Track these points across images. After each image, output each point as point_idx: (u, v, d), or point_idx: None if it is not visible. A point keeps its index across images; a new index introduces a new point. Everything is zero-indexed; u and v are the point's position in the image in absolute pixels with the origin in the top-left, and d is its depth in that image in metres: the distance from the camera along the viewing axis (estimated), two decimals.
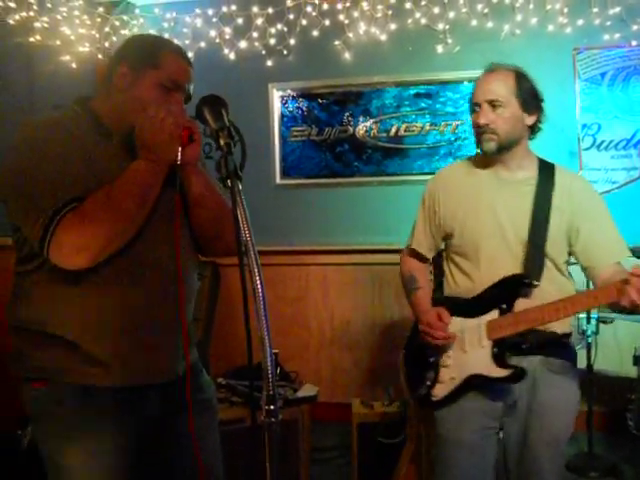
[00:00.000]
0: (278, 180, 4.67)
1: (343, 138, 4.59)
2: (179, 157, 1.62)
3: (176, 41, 4.47)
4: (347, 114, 4.59)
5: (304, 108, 4.65)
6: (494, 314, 2.04)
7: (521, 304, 2.01)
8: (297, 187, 4.65)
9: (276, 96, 4.66)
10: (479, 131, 2.06)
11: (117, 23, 4.71)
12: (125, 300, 1.64)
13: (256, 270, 1.28)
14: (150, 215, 1.64)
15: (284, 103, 4.67)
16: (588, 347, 3.70)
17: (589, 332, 3.63)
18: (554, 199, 2.05)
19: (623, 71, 4.25)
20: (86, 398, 1.62)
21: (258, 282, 1.27)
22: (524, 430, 2.08)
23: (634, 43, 4.21)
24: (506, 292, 2.04)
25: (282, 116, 4.67)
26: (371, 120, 4.56)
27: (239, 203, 1.34)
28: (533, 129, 2.12)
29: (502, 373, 2.00)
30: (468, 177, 2.18)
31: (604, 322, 3.66)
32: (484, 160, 2.14)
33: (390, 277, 4.43)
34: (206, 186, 1.75)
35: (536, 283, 2.00)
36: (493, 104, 2.02)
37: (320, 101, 4.63)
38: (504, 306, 2.02)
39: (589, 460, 3.64)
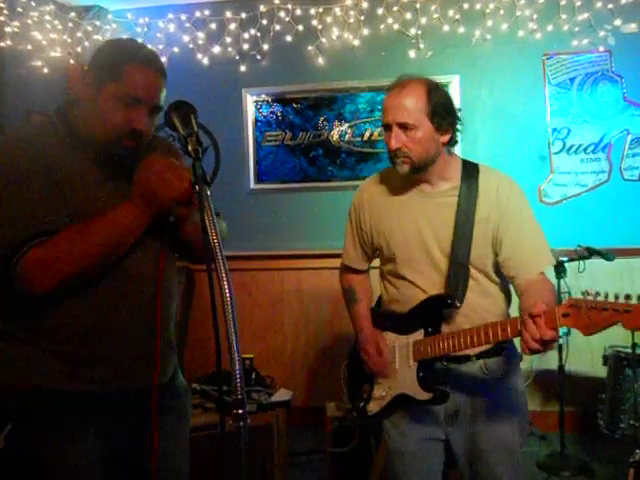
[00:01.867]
0: (252, 185, 4.67)
1: (317, 143, 4.62)
2: (172, 216, 1.63)
3: (149, 47, 4.56)
4: (321, 119, 4.61)
5: (278, 113, 4.66)
6: (420, 334, 2.01)
7: (452, 322, 1.99)
8: (271, 192, 4.66)
9: (250, 101, 4.67)
10: (391, 154, 1.97)
11: (89, 28, 4.69)
12: (102, 305, 1.64)
13: (224, 275, 1.28)
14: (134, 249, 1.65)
15: (258, 108, 4.68)
16: (559, 348, 3.76)
17: (560, 333, 3.66)
18: (478, 209, 1.97)
19: (591, 76, 4.33)
20: (64, 402, 1.62)
21: (226, 287, 1.27)
22: (470, 438, 2.05)
23: (602, 49, 4.30)
24: (430, 313, 2.00)
25: (256, 121, 4.68)
26: (345, 125, 4.59)
27: (207, 208, 1.35)
28: (450, 142, 2.00)
29: (424, 396, 1.97)
30: (391, 191, 2.10)
31: None
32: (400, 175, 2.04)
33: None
34: (194, 230, 1.68)
35: (458, 305, 1.95)
36: (404, 127, 1.91)
37: (294, 106, 4.65)
38: (430, 329, 1.98)
39: (561, 459, 3.69)
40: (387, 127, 1.96)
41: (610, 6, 4.25)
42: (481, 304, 2.00)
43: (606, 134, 4.32)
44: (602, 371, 3.59)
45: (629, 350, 3.29)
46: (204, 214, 1.34)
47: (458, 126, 2.01)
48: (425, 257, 2.02)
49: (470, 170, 2.04)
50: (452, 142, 2.01)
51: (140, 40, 4.52)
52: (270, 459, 3.17)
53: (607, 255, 3.57)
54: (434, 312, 1.99)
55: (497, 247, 1.98)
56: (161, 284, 1.69)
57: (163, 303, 1.72)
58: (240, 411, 1.23)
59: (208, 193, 1.39)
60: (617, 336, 3.44)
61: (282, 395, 3.33)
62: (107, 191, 1.65)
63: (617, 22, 4.25)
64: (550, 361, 3.96)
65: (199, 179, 1.38)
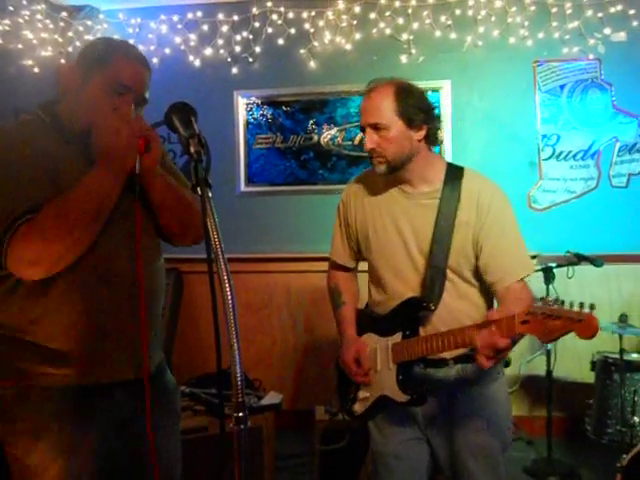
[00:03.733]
0: (243, 187, 4.66)
1: (308, 146, 4.62)
2: (137, 166, 1.62)
3: (141, 47, 4.54)
4: (312, 122, 4.62)
5: (269, 116, 4.66)
6: (398, 337, 2.03)
7: (427, 324, 2.01)
8: (262, 194, 4.65)
9: (241, 103, 4.66)
10: (368, 155, 2.02)
11: (81, 28, 4.67)
12: (89, 300, 1.64)
13: (226, 278, 1.28)
14: (113, 221, 1.65)
15: (249, 110, 4.67)
16: (547, 354, 3.77)
17: None
18: (459, 213, 1.99)
19: (581, 84, 4.37)
20: (51, 398, 1.62)
21: (228, 290, 1.27)
22: (450, 442, 2.07)
23: (591, 57, 4.34)
24: (407, 315, 2.03)
25: (247, 123, 4.67)
26: (336, 128, 4.59)
27: (209, 211, 1.34)
28: (429, 139, 2.03)
29: (403, 398, 1.99)
30: (375, 190, 2.14)
31: None
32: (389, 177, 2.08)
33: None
34: (166, 189, 1.76)
35: (432, 308, 1.98)
36: (376, 127, 1.97)
37: (285, 109, 4.64)
38: (407, 332, 2.01)
39: (548, 465, 3.71)
40: (362, 130, 2.03)
41: (600, 15, 4.29)
42: (457, 307, 2.02)
43: (595, 141, 4.35)
44: (590, 377, 3.61)
45: (617, 356, 3.31)
46: (206, 217, 1.33)
47: (437, 124, 2.04)
48: (405, 256, 2.05)
49: (454, 173, 2.06)
50: (431, 139, 2.03)
51: (131, 41, 4.55)
52: (259, 462, 3.15)
53: (596, 261, 3.59)
54: (411, 315, 2.02)
55: (478, 252, 2.00)
56: (142, 286, 1.67)
57: (147, 296, 1.71)
58: (240, 414, 1.22)
59: (210, 195, 1.38)
60: (606, 342, 3.46)
61: (272, 398, 3.31)
62: None
63: (607, 30, 4.28)
64: (538, 366, 3.98)
65: (201, 181, 1.37)
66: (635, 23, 4.26)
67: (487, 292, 2.07)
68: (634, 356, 3.48)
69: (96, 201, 1.59)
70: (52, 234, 1.53)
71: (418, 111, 1.97)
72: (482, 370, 1.97)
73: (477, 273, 2.03)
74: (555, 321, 1.55)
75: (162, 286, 1.88)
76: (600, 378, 3.49)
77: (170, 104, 1.53)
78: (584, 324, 1.50)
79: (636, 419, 3.19)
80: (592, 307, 1.52)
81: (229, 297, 1.24)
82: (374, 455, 2.19)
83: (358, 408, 2.15)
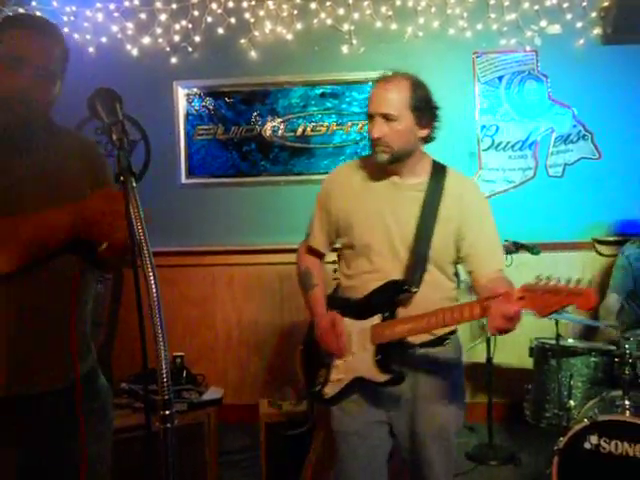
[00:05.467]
0: (183, 179, 4.58)
1: (250, 137, 4.57)
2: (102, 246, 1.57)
3: (76, 36, 4.40)
4: (254, 113, 4.57)
5: (210, 107, 4.59)
6: (377, 319, 2.07)
7: (402, 312, 2.06)
8: (203, 186, 4.58)
9: (181, 94, 4.58)
10: (373, 143, 2.06)
11: (11, 15, 4.50)
12: (12, 305, 1.57)
13: (150, 271, 1.24)
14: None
15: (189, 101, 4.60)
16: (487, 341, 3.84)
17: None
18: (442, 207, 2.07)
19: (519, 75, 4.45)
20: None
21: (152, 283, 1.23)
22: (411, 423, 2.14)
23: (528, 48, 4.41)
24: (388, 298, 2.07)
25: (187, 114, 4.59)
26: (278, 119, 4.56)
27: (132, 200, 1.29)
28: (427, 139, 2.12)
29: (382, 378, 2.04)
30: (361, 179, 2.18)
31: None
32: (378, 163, 2.12)
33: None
34: (117, 264, 1.69)
35: (414, 290, 2.04)
36: (386, 117, 2.00)
37: (226, 100, 4.58)
38: (387, 313, 2.05)
39: (489, 450, 3.79)
40: (370, 117, 2.05)
41: (536, 7, 4.37)
42: (432, 297, 2.06)
43: (532, 132, 4.44)
44: (528, 362, 3.68)
45: (554, 341, 3.38)
46: (129, 206, 1.29)
47: (436, 124, 2.12)
48: (388, 245, 2.10)
49: (439, 170, 2.15)
50: (429, 138, 2.12)
51: (66, 29, 4.39)
52: (201, 459, 3.12)
53: (533, 249, 3.67)
54: (390, 297, 2.06)
55: (459, 244, 2.09)
56: (77, 286, 1.63)
57: (79, 303, 1.67)
58: (167, 412, 1.19)
59: (134, 184, 1.33)
60: (543, 328, 3.53)
61: (213, 393, 3.28)
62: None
63: (543, 23, 4.37)
64: (479, 354, 4.04)
65: (125, 170, 1.33)
66: (569, 16, 4.35)
67: (456, 289, 2.19)
68: (570, 341, 3.56)
69: (49, 241, 1.54)
70: None
71: (427, 110, 2.05)
72: (445, 355, 2.14)
73: (455, 268, 2.15)
74: (555, 296, 1.63)
75: (91, 293, 1.81)
76: (538, 364, 3.55)
77: (94, 89, 1.48)
78: (584, 297, 1.60)
79: (572, 402, 3.26)
80: (590, 283, 1.64)
81: (154, 291, 1.20)
82: (336, 435, 2.22)
83: (329, 391, 2.17)
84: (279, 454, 3.23)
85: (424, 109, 2.04)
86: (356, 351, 2.10)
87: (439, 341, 2.10)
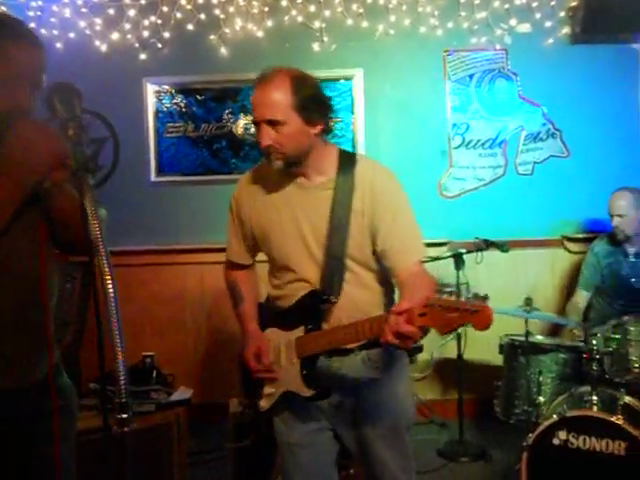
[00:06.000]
0: (153, 177, 4.53)
1: (220, 135, 4.53)
2: (46, 182, 1.54)
3: (43, 32, 4.32)
4: (225, 110, 4.53)
5: (180, 104, 4.54)
6: (301, 331, 2.01)
7: (332, 316, 1.99)
8: (173, 184, 4.53)
9: (151, 91, 4.52)
10: (264, 151, 1.94)
11: None
12: None
13: (107, 269, 1.21)
14: (13, 232, 1.56)
15: (159, 98, 4.54)
16: (458, 338, 3.86)
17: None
18: (354, 202, 1.97)
19: (489, 73, 4.47)
20: None
21: (109, 282, 1.20)
22: (356, 428, 2.10)
23: (499, 47, 4.44)
24: (310, 309, 2.01)
25: (157, 112, 4.54)
26: (249, 117, 4.52)
27: (88, 197, 1.27)
28: (323, 132, 1.99)
29: (308, 392, 1.98)
30: (270, 185, 2.07)
31: None
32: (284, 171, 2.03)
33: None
34: (70, 204, 1.64)
35: (333, 299, 1.97)
36: (272, 123, 1.87)
37: (197, 97, 4.54)
38: (310, 326, 1.98)
39: (460, 446, 3.81)
40: (256, 124, 1.93)
41: (506, 6, 4.39)
42: (359, 296, 2.01)
43: (502, 130, 4.47)
44: (499, 359, 3.70)
45: (523, 338, 3.41)
46: (85, 203, 1.26)
47: (332, 115, 2.01)
48: (303, 251, 2.02)
49: (347, 162, 2.02)
50: (327, 131, 2.00)
51: (32, 25, 4.30)
52: (168, 460, 3.09)
53: (502, 247, 3.69)
54: (312, 308, 1.99)
55: (374, 237, 1.98)
56: (45, 280, 1.60)
57: (48, 298, 1.64)
58: (124, 415, 1.16)
59: (90, 181, 1.31)
60: (513, 325, 3.55)
61: (182, 393, 3.26)
62: None
63: (513, 22, 4.39)
64: (449, 350, 4.07)
65: (81, 166, 1.30)
66: (538, 15, 4.38)
67: (388, 281, 2.08)
68: (539, 338, 3.58)
69: None
70: None
71: (315, 106, 1.91)
72: (386, 354, 2.04)
73: (377, 260, 2.02)
74: (453, 313, 1.54)
75: (54, 293, 1.78)
76: (507, 360, 3.57)
77: (52, 84, 1.45)
78: (480, 315, 1.50)
79: (541, 399, 3.28)
80: (485, 298, 1.52)
81: (111, 290, 1.18)
82: (280, 446, 2.18)
83: (264, 404, 2.12)
84: (248, 453, 3.21)
85: (311, 107, 1.90)
86: (284, 364, 2.05)
87: (377, 342, 2.00)
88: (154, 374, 3.39)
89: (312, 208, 2.00)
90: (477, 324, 1.51)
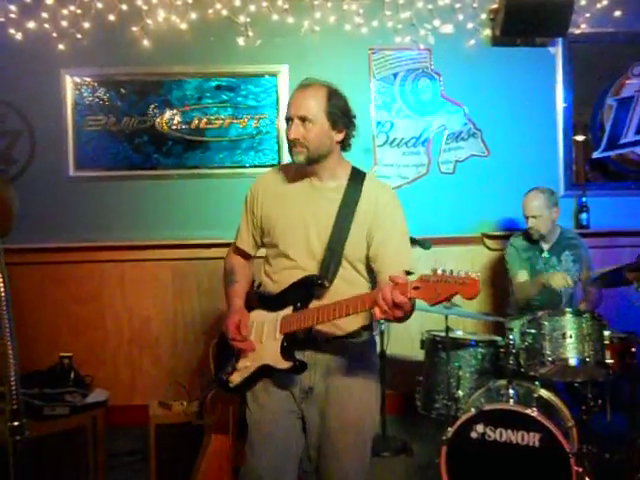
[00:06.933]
0: (72, 172, 4.38)
1: (143, 129, 4.42)
2: None
3: None
4: (147, 104, 4.43)
5: (101, 96, 4.41)
6: (289, 310, 2.17)
7: (316, 304, 2.14)
8: (93, 180, 4.39)
9: (69, 83, 4.37)
10: (290, 144, 2.19)
11: None
12: None
13: None
14: None
15: (78, 90, 4.40)
16: (382, 334, 3.89)
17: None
18: (358, 209, 2.19)
19: (412, 73, 4.53)
20: None
21: (1, 283, 1.14)
22: (322, 416, 2.20)
23: (422, 47, 4.50)
24: (302, 291, 2.18)
25: (76, 104, 4.39)
26: (172, 111, 4.44)
27: None
28: (344, 144, 2.25)
29: (284, 365, 2.13)
30: (286, 182, 2.31)
31: None
32: (301, 168, 2.26)
33: (190, 271, 4.37)
34: None
35: (327, 284, 2.15)
36: (303, 120, 2.13)
37: (118, 90, 4.41)
38: (299, 304, 2.15)
39: (382, 441, 3.84)
40: (288, 120, 2.18)
41: (430, 7, 4.46)
42: (346, 293, 2.10)
43: (425, 129, 4.54)
44: (420, 355, 3.75)
45: (443, 334, 3.46)
46: None
47: (353, 132, 2.25)
48: (304, 244, 2.21)
49: (358, 175, 2.27)
50: (345, 144, 2.24)
51: None
52: (85, 463, 3.01)
53: (424, 244, 3.73)
54: (304, 291, 2.17)
55: (370, 241, 2.19)
56: None
57: None
58: (16, 423, 1.10)
59: None
60: (433, 321, 3.61)
61: (98, 395, 3.18)
62: None
63: (436, 22, 4.47)
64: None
65: None
66: (461, 17, 4.47)
67: (366, 288, 2.23)
68: (458, 333, 3.66)
69: None
70: None
71: (342, 115, 2.19)
72: (359, 350, 2.23)
73: (368, 267, 2.22)
74: (445, 285, 1.71)
75: None
76: (428, 355, 3.63)
77: None
78: (468, 286, 1.68)
79: (460, 393, 3.35)
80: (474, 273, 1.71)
81: (2, 291, 1.12)
82: (250, 425, 2.27)
83: (235, 378, 2.25)
84: (169, 456, 3.16)
85: (339, 114, 2.17)
86: (265, 340, 2.20)
87: (350, 336, 2.20)
88: (72, 375, 3.29)
89: (320, 205, 2.22)
90: (465, 294, 1.69)
